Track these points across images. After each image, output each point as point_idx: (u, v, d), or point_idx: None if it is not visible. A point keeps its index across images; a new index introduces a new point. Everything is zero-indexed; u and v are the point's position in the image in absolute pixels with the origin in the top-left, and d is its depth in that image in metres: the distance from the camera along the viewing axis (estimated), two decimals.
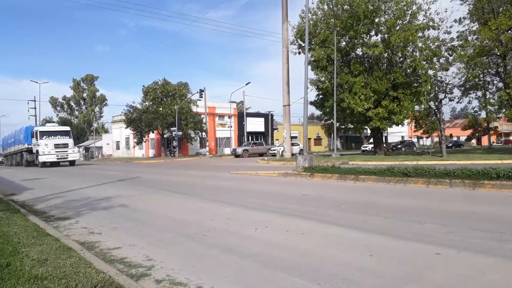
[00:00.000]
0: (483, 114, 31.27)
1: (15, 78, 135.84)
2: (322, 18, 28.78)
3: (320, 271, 3.54)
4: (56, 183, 14.37)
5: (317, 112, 41.30)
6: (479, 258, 3.74)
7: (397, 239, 4.55)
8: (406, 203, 7.20)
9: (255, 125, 57.76)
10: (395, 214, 6.00)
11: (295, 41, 29.86)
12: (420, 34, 26.16)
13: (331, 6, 28.03)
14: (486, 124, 40.49)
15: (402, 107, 26.60)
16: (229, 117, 54.36)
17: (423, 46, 25.75)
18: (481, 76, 28.04)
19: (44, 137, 30.65)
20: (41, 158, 29.79)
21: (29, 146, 32.51)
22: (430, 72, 26.33)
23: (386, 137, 55.68)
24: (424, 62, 25.78)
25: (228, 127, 54.63)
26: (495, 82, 28.51)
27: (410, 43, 25.95)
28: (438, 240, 4.38)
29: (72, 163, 32.09)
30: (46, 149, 29.85)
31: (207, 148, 49.08)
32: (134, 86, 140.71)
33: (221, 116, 55.99)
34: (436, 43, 25.90)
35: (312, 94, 34.03)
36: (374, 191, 8.99)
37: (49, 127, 32.78)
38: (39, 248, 4.18)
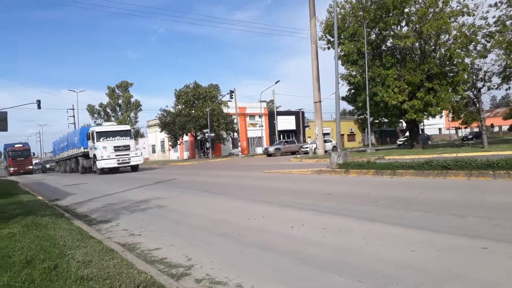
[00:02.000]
0: None
1: (54, 88, 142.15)
2: (351, 12, 28.27)
3: (359, 268, 3.48)
4: (96, 187, 14.89)
5: (349, 107, 40.72)
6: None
7: (439, 233, 4.40)
8: (447, 196, 6.95)
9: (286, 123, 57.55)
10: (436, 209, 5.81)
11: (324, 36, 29.49)
12: (454, 22, 25.19)
13: None
14: None
15: (439, 98, 25.72)
16: (260, 116, 54.45)
17: (457, 33, 24.78)
18: None
19: (102, 138, 25.44)
20: (100, 164, 24.66)
21: (86, 150, 27.80)
22: (467, 60, 25.28)
23: (422, 130, 54.11)
24: (460, 50, 24.78)
25: (259, 126, 54.73)
26: None
27: (444, 32, 25.03)
28: (483, 234, 4.20)
29: (134, 168, 26.85)
30: (105, 153, 24.68)
31: (239, 148, 49.39)
32: (167, 90, 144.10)
33: (252, 116, 56.16)
34: (471, 30, 24.85)
35: (344, 89, 33.64)
36: (412, 185, 8.74)
37: (107, 127, 27.16)
38: (84, 250, 4.34)
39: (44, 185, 19.18)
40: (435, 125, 67.20)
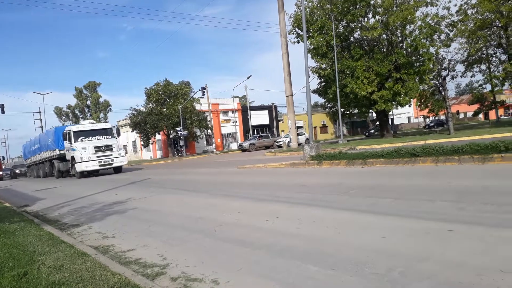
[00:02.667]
0: (488, 88, 30.93)
1: (19, 91, 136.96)
2: (318, 5, 28.56)
3: (333, 257, 3.55)
4: (67, 191, 14.50)
5: (321, 100, 41.17)
6: (493, 232, 3.72)
7: (409, 219, 4.54)
8: (416, 183, 7.17)
9: (259, 118, 57.69)
10: (405, 195, 5.99)
11: (293, 30, 29.69)
12: (418, 12, 25.87)
13: None
14: (492, 98, 40.11)
15: (407, 88, 26.41)
16: (233, 112, 54.33)
17: (422, 24, 25.47)
18: (484, 49, 27.72)
19: (81, 138, 22.85)
20: (79, 167, 22.00)
21: (62, 152, 25.10)
22: (432, 49, 26.05)
23: (392, 119, 55.42)
24: (425, 40, 25.49)
25: (233, 122, 54.63)
26: (498, 54, 28.18)
27: (409, 22, 25.67)
28: (450, 217, 4.36)
29: (117, 169, 24.17)
30: (85, 154, 21.97)
31: (214, 145, 49.15)
32: (137, 89, 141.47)
33: (225, 112, 55.98)
34: (435, 20, 25.60)
35: (315, 82, 33.96)
36: (383, 174, 8.96)
37: (86, 125, 24.42)
38: (55, 255, 4.24)
39: (11, 192, 18.51)
40: (404, 114, 68.96)
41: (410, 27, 26.37)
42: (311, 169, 11.95)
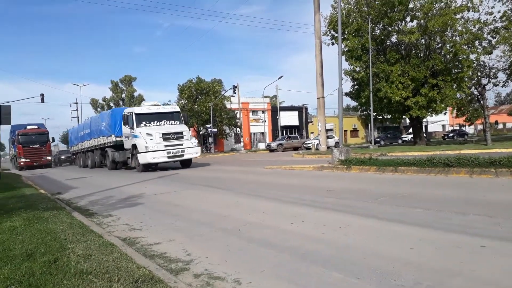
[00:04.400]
0: None
1: (58, 82, 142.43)
2: (355, 7, 28.12)
3: (358, 265, 3.48)
4: (98, 181, 14.94)
5: (353, 103, 40.52)
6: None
7: (439, 231, 4.39)
8: (448, 194, 6.93)
9: (289, 119, 57.48)
10: (437, 206, 5.79)
11: (328, 32, 29.38)
12: (459, 17, 24.99)
13: None
14: None
15: (443, 95, 25.59)
16: (263, 111, 54.37)
17: (463, 29, 24.60)
18: None
19: (144, 123, 18.53)
20: (143, 158, 17.60)
21: (118, 139, 21.06)
22: (472, 56, 25.11)
23: (426, 127, 53.88)
24: (465, 47, 24.60)
25: (262, 121, 54.68)
26: None
27: (449, 28, 24.85)
28: (483, 232, 4.19)
29: (187, 163, 19.76)
30: (151, 143, 17.56)
31: (242, 143, 49.43)
32: (170, 85, 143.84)
33: (255, 111, 56.11)
34: (477, 26, 24.65)
35: (347, 85, 33.45)
36: (414, 182, 8.72)
37: (151, 107, 19.68)
38: (84, 244, 4.37)
39: (46, 179, 19.26)
40: (439, 121, 66.90)
41: (449, 32, 25.53)
42: (340, 174, 11.79)
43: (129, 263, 3.60)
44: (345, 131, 60.83)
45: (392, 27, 27.53)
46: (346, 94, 30.85)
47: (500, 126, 68.88)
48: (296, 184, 9.93)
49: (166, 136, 17.95)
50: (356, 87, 30.46)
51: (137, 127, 18.32)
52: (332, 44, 29.64)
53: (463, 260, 3.42)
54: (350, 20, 27.90)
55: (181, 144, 18.19)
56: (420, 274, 3.15)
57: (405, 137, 47.76)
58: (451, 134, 50.53)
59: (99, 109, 68.38)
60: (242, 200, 7.87)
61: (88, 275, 3.31)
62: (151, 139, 17.61)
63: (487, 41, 25.39)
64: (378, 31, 28.57)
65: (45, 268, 3.56)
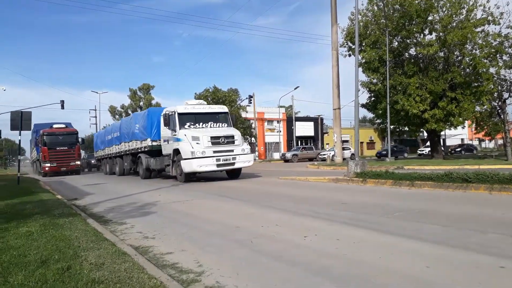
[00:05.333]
0: None
1: (78, 89, 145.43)
2: (373, 20, 28.08)
3: (371, 282, 3.40)
4: (114, 188, 15.10)
5: (369, 115, 40.25)
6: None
7: (457, 249, 4.28)
8: (466, 210, 6.77)
9: (304, 129, 57.36)
10: (454, 223, 5.65)
11: (345, 43, 29.36)
12: (479, 30, 24.68)
13: (382, 6, 27.24)
14: None
15: (462, 108, 25.20)
16: (278, 121, 54.40)
17: (483, 43, 24.27)
18: None
19: (188, 124, 15.90)
20: (189, 165, 14.92)
21: (155, 144, 18.39)
22: (492, 70, 24.72)
23: (444, 140, 53.03)
24: (486, 60, 24.24)
25: (277, 131, 54.68)
26: None
27: (469, 41, 24.54)
28: (502, 252, 4.06)
29: (235, 173, 16.86)
30: (197, 148, 14.91)
31: (257, 153, 49.44)
32: (187, 93, 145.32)
33: (270, 121, 56.20)
34: (498, 39, 24.30)
35: (364, 97, 33.23)
36: (431, 198, 8.55)
37: (196, 106, 16.88)
38: (97, 253, 4.39)
39: (64, 184, 19.55)
40: (458, 135, 65.76)
41: (469, 45, 25.21)
42: (355, 187, 11.65)
43: (141, 273, 3.60)
44: (361, 143, 60.28)
45: (410, 40, 27.36)
46: (363, 106, 30.66)
47: (467, 141, 67.38)
48: (311, 196, 9.85)
49: (215, 140, 15.15)
50: (373, 99, 30.27)
51: (180, 129, 15.58)
52: (349, 55, 29.58)
53: (481, 281, 3.31)
54: (368, 32, 27.85)
55: (232, 151, 15.37)
56: None
57: (423, 150, 47.05)
58: (459, 149, 49.39)
59: (117, 116, 69.46)
60: (255, 211, 7.84)
61: (100, 284, 3.32)
62: (197, 143, 14.89)
63: (508, 55, 24.99)
64: (396, 43, 28.43)
65: (58, 275, 3.58)
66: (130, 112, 67.83)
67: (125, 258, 4.13)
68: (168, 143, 16.75)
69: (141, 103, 69.79)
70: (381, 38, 26.73)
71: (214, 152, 15.01)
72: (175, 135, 15.89)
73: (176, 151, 15.76)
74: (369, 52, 26.92)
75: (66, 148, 28.77)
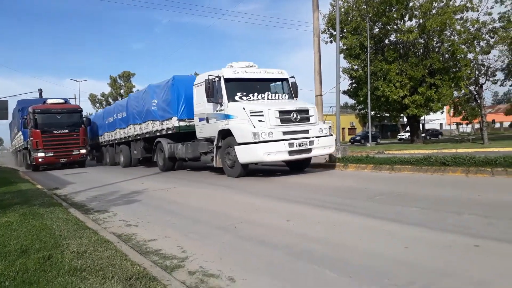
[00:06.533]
0: None
1: (57, 77, 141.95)
2: (354, 6, 28.11)
3: (352, 264, 3.49)
4: (96, 177, 14.92)
5: (351, 101, 40.54)
6: None
7: (434, 230, 4.41)
8: (444, 193, 6.95)
9: None
10: (432, 205, 5.81)
11: (327, 30, 29.35)
12: (458, 17, 25.04)
13: None
14: None
15: (440, 94, 25.67)
16: None
17: (461, 29, 24.65)
18: None
19: (240, 95, 11.49)
20: (248, 152, 10.35)
21: (183, 124, 13.90)
22: (470, 56, 25.19)
23: (423, 125, 53.97)
24: (463, 46, 24.67)
25: None
26: None
27: (448, 27, 24.89)
28: (477, 232, 4.20)
29: (305, 163, 12.15)
30: (262, 127, 10.23)
31: None
32: None
33: None
34: (475, 26, 24.71)
35: (345, 83, 33.43)
36: (410, 181, 8.74)
37: (248, 71, 12.07)
38: (79, 241, 4.37)
39: (44, 174, 19.17)
40: (436, 120, 67.07)
41: (448, 32, 25.57)
42: (336, 172, 11.80)
43: (124, 260, 3.60)
44: (343, 128, 60.88)
45: (391, 26, 27.55)
46: (344, 92, 30.88)
47: (497, 125, 69.11)
48: (293, 181, 9.94)
49: (285, 117, 10.55)
50: (354, 85, 30.50)
51: (229, 100, 11.21)
52: (331, 42, 29.63)
53: (456, 260, 3.44)
54: (349, 18, 27.91)
55: (307, 131, 10.77)
56: (413, 274, 3.17)
57: (403, 135, 47.85)
58: (423, 134, 50.09)
59: (97, 105, 68.18)
60: (238, 197, 7.90)
61: (82, 272, 3.32)
62: (260, 121, 10.33)
63: (485, 41, 25.48)
64: (377, 29, 28.59)
65: (39, 264, 3.56)
66: (111, 100, 66.74)
67: (107, 246, 4.12)
68: (207, 122, 12.13)
69: (122, 91, 68.65)
70: (362, 24, 26.83)
71: (284, 133, 10.37)
72: (220, 110, 11.37)
73: (223, 133, 11.27)
74: (350, 38, 27.01)
75: (67, 131, 21.01)
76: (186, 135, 13.91)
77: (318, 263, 3.55)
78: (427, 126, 61.98)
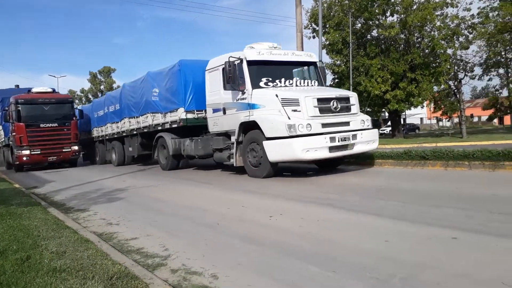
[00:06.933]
0: (504, 93, 30.38)
1: (35, 73, 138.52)
2: (337, 1, 28.22)
3: (335, 259, 3.52)
4: (77, 175, 14.66)
5: None
6: (498, 242, 3.65)
7: (414, 224, 4.48)
8: (424, 187, 7.08)
9: None
10: (412, 199, 5.91)
11: (309, 25, 29.39)
12: (438, 13, 25.42)
13: None
14: (508, 103, 39.47)
15: (421, 89, 26.06)
16: None
17: (441, 25, 25.04)
18: (503, 53, 27.20)
19: (266, 80, 9.79)
20: (281, 149, 8.60)
21: (191, 117, 12.18)
22: (449, 51, 25.64)
23: (404, 120, 54.80)
24: (443, 41, 25.08)
25: None
26: None
27: (428, 23, 25.25)
28: (456, 225, 4.29)
29: (336, 161, 10.21)
30: (298, 119, 8.51)
31: None
32: None
33: None
34: (455, 21, 25.14)
35: (328, 79, 33.61)
36: (391, 175, 8.87)
37: (274, 52, 10.27)
38: (58, 241, 4.28)
39: (22, 172, 18.64)
40: (417, 114, 68.16)
41: (429, 27, 25.95)
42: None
43: (105, 260, 3.55)
44: None
45: (373, 21, 27.77)
46: None
47: (476, 119, 70.67)
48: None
49: (324, 106, 8.91)
50: (336, 80, 30.66)
51: (253, 87, 9.56)
52: (314, 37, 29.68)
53: (436, 253, 3.50)
54: (332, 13, 28.01)
55: (348, 123, 9.19)
56: (394, 267, 3.21)
57: (384, 130, 48.51)
58: (402, 129, 50.75)
59: (77, 101, 66.85)
60: (221, 193, 7.89)
61: (62, 273, 3.25)
62: (294, 111, 8.69)
63: (464, 37, 25.96)
64: (359, 25, 28.78)
65: (17, 266, 3.48)
66: (90, 96, 65.54)
67: (88, 245, 4.06)
68: (224, 113, 10.42)
69: (102, 87, 67.59)
70: (345, 19, 26.96)
71: (323, 125, 8.70)
72: (242, 99, 9.71)
73: (246, 126, 9.65)
74: (333, 34, 27.12)
75: (56, 125, 18.41)
76: (190, 129, 12.35)
77: (302, 258, 3.57)
78: (408, 121, 63.00)
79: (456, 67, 27.23)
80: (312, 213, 5.42)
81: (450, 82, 28.22)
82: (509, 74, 28.35)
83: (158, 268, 3.56)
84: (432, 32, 25.86)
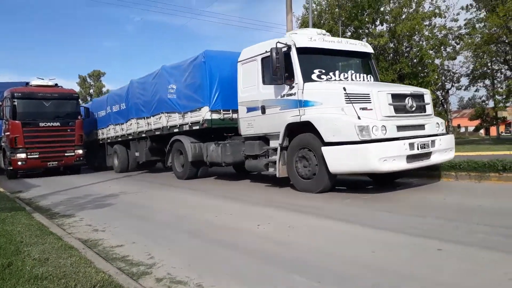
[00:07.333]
0: (491, 104, 30.89)
1: (23, 77, 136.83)
2: (327, 9, 28.51)
3: (320, 268, 3.52)
4: (62, 180, 14.44)
5: None
6: (483, 254, 3.68)
7: (399, 234, 4.50)
8: (410, 197, 7.12)
9: None
10: (398, 209, 5.94)
11: None
12: (426, 23, 25.83)
13: None
14: (494, 114, 40.13)
15: None
16: None
17: (429, 35, 25.43)
18: (489, 64, 27.70)
19: (318, 72, 7.99)
20: (349, 158, 6.74)
21: (216, 117, 10.38)
22: (437, 61, 26.03)
23: None
24: (431, 51, 25.46)
25: None
26: (503, 70, 28.15)
27: (416, 32, 25.63)
28: (441, 235, 4.32)
29: (392, 174, 7.81)
30: (372, 120, 6.68)
31: None
32: None
33: None
34: (443, 32, 25.56)
35: None
36: (377, 185, 8.91)
37: (326, 39, 8.75)
38: (41, 247, 4.21)
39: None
40: None
41: (417, 37, 26.33)
42: None
43: (88, 267, 3.49)
44: None
45: (362, 30, 28.08)
46: None
47: (462, 129, 71.59)
48: (259, 184, 9.95)
49: (399, 104, 7.28)
50: None
51: (305, 80, 7.86)
52: None
53: (420, 263, 3.52)
54: (322, 21, 28.26)
55: (423, 127, 7.54)
56: (378, 277, 3.22)
57: None
58: None
59: None
60: (209, 201, 7.84)
61: (43, 281, 3.19)
62: (364, 110, 6.96)
63: (451, 47, 26.40)
64: (349, 33, 29.07)
65: None
66: (80, 100, 64.72)
67: (71, 253, 3.99)
68: (263, 112, 8.71)
69: (91, 91, 67.10)
70: (335, 27, 27.20)
71: (398, 128, 7.06)
72: (290, 94, 8.03)
73: (292, 128, 7.99)
74: None
75: (58, 124, 15.83)
76: (210, 132, 10.89)
77: (288, 268, 3.56)
78: None
79: (443, 78, 27.62)
80: (298, 221, 5.41)
81: (438, 92, 28.59)
82: (495, 85, 28.84)
83: (142, 276, 3.52)
84: (421, 42, 26.24)
